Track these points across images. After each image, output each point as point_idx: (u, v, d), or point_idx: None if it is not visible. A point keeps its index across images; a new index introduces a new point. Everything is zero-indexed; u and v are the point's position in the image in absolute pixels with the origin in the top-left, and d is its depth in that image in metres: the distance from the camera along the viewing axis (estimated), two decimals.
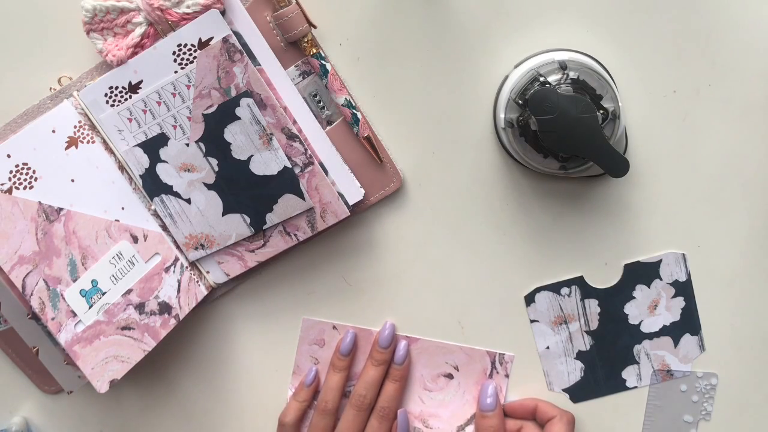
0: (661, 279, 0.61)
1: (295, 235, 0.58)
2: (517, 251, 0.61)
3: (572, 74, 0.54)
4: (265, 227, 0.58)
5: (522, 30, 0.58)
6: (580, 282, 0.61)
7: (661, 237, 0.61)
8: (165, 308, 0.58)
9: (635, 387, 0.62)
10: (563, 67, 0.54)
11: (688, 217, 0.60)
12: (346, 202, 0.58)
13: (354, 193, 0.59)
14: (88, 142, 0.56)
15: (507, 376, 0.62)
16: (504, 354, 0.62)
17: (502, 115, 0.56)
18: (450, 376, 0.62)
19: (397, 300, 0.62)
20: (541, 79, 0.54)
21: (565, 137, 0.53)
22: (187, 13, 0.54)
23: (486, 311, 0.62)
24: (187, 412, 0.64)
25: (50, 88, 0.58)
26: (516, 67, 0.57)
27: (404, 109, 0.59)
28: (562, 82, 0.54)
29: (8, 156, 0.53)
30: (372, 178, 0.59)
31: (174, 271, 0.59)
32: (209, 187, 0.57)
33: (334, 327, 0.62)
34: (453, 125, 0.59)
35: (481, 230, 0.61)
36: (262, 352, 0.63)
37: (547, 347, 0.62)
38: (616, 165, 0.54)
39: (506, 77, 0.57)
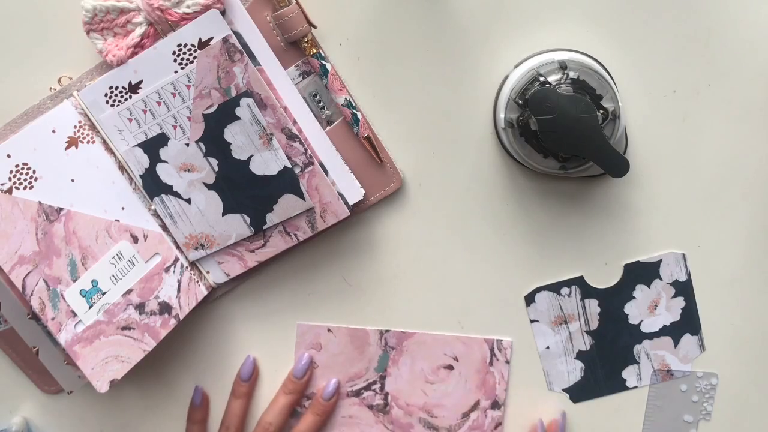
0: (661, 279, 0.61)
1: (295, 235, 0.58)
2: (517, 251, 0.61)
3: (572, 74, 0.54)
4: (265, 227, 0.58)
5: (522, 30, 0.58)
6: (580, 282, 0.61)
7: (661, 237, 0.61)
8: (165, 308, 0.58)
9: (635, 387, 0.62)
10: (563, 67, 0.54)
11: (688, 217, 0.60)
12: (346, 202, 0.58)
13: (354, 193, 0.59)
14: (88, 142, 0.56)
15: (507, 362, 0.62)
16: (502, 340, 0.62)
17: (502, 115, 0.56)
18: (450, 367, 0.62)
19: (397, 300, 0.62)
20: (541, 79, 0.54)
21: (565, 137, 0.53)
22: (187, 13, 0.54)
23: (486, 311, 0.62)
24: (187, 412, 0.64)
25: (50, 88, 0.58)
26: (516, 67, 0.57)
27: (404, 109, 0.59)
28: (562, 82, 0.54)
29: (8, 156, 0.53)
30: (372, 178, 0.59)
31: (174, 271, 0.59)
32: (209, 187, 0.57)
33: (329, 330, 0.62)
34: (453, 125, 0.59)
35: (481, 230, 0.61)
36: (261, 352, 0.63)
37: (547, 347, 0.62)
38: (616, 165, 0.54)
39: (506, 77, 0.57)
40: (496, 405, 0.62)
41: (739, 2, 0.57)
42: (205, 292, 0.60)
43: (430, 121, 0.59)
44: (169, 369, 0.64)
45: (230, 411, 0.62)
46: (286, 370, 0.63)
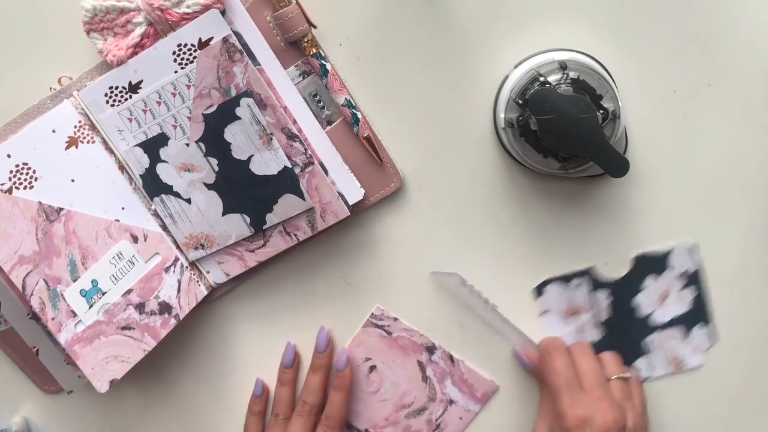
0: (671, 269, 0.61)
1: (295, 235, 0.58)
2: (517, 251, 0.61)
3: (572, 74, 0.54)
4: (265, 227, 0.58)
5: (522, 30, 0.58)
6: (590, 273, 0.61)
7: (661, 237, 0.61)
8: (165, 308, 0.58)
9: (647, 379, 0.62)
10: (563, 67, 0.54)
11: (688, 218, 0.60)
12: (346, 202, 0.58)
13: (354, 193, 0.59)
14: (88, 142, 0.56)
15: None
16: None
17: (502, 115, 0.56)
18: (374, 368, 0.63)
19: (397, 300, 0.62)
20: (541, 79, 0.54)
21: (565, 137, 0.53)
22: (187, 13, 0.54)
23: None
24: (187, 412, 0.64)
25: (50, 88, 0.58)
26: (516, 67, 0.57)
27: (404, 109, 0.59)
28: (562, 82, 0.54)
29: (8, 156, 0.53)
30: (372, 178, 0.59)
31: (174, 271, 0.59)
32: (209, 187, 0.57)
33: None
34: (453, 125, 0.59)
35: (481, 230, 0.61)
36: (262, 352, 0.63)
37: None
38: (616, 165, 0.54)
39: (506, 77, 0.57)
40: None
41: (739, 2, 0.57)
42: (205, 292, 0.60)
43: (430, 121, 0.59)
44: (169, 369, 0.64)
45: (279, 399, 0.62)
46: None
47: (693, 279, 0.61)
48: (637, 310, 0.61)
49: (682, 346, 0.62)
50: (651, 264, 0.61)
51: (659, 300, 0.61)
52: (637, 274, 0.61)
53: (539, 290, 0.61)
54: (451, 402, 0.63)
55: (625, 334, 0.62)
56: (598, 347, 0.61)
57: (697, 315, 0.61)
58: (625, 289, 0.61)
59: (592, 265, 0.61)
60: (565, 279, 0.61)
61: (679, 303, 0.61)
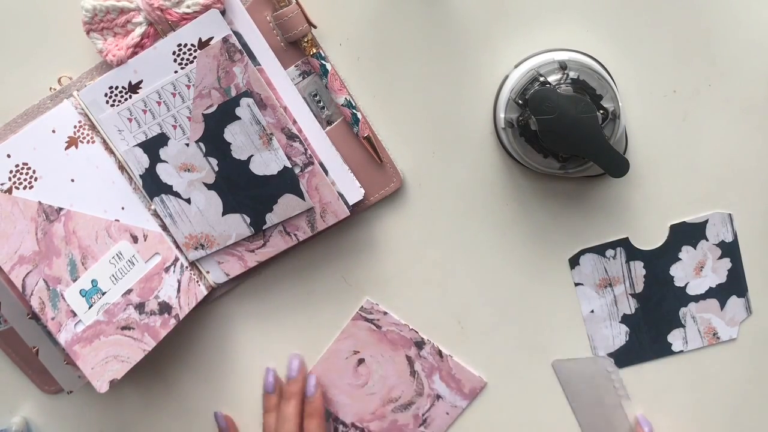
0: (707, 240, 0.60)
1: (295, 235, 0.58)
2: (516, 251, 0.61)
3: (572, 74, 0.54)
4: (265, 227, 0.58)
5: (522, 30, 0.58)
6: (625, 244, 0.60)
7: (662, 237, 0.61)
8: (165, 308, 0.58)
9: (681, 351, 0.61)
10: (563, 67, 0.54)
11: (688, 218, 0.60)
12: (346, 202, 0.58)
13: (354, 193, 0.59)
14: (88, 142, 0.56)
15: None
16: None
17: (502, 115, 0.56)
18: (362, 361, 0.63)
19: (397, 300, 0.62)
20: (541, 79, 0.54)
21: (565, 137, 0.53)
22: (187, 13, 0.54)
23: (486, 311, 0.62)
24: (187, 412, 0.64)
25: (50, 88, 0.58)
26: (516, 67, 0.57)
27: (404, 109, 0.59)
28: (562, 82, 0.54)
29: (8, 156, 0.53)
30: (372, 178, 0.59)
31: (174, 271, 0.59)
32: (209, 187, 0.57)
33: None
34: (453, 125, 0.59)
35: (481, 230, 0.61)
36: (262, 352, 0.63)
37: (592, 311, 0.61)
38: (616, 165, 0.54)
39: (506, 77, 0.57)
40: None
41: (740, 2, 0.57)
42: (205, 292, 0.60)
43: (430, 121, 0.59)
44: (169, 369, 0.64)
45: (267, 427, 0.62)
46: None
47: (729, 249, 0.60)
48: (672, 281, 0.60)
49: (716, 317, 0.61)
50: (687, 234, 0.60)
51: (695, 271, 0.60)
52: (672, 243, 0.60)
53: (574, 261, 0.60)
54: (438, 397, 0.63)
55: (659, 305, 0.61)
56: (633, 319, 0.61)
57: (732, 286, 0.60)
58: (660, 260, 0.60)
59: (627, 236, 0.60)
60: (600, 249, 0.60)
61: (715, 274, 0.60)
